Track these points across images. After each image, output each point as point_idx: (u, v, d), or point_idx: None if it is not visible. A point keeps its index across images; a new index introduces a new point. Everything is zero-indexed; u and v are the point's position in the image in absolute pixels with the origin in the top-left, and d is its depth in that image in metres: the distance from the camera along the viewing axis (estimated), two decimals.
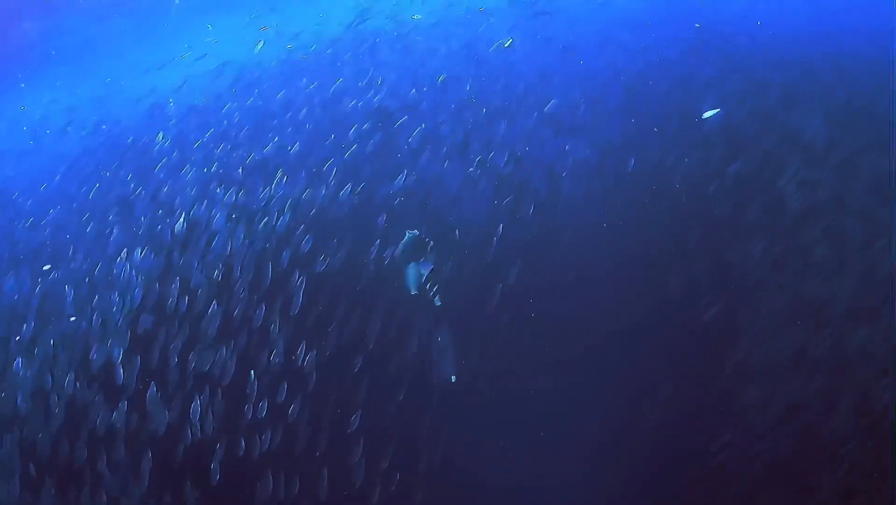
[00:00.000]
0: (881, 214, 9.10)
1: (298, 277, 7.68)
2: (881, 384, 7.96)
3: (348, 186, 8.84)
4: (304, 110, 10.60)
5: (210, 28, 15.23)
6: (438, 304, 8.37)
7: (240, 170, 9.58)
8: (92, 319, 8.57)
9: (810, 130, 10.31)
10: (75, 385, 8.10)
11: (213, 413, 7.52)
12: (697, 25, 13.63)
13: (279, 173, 9.51)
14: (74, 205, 10.98)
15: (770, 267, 8.98)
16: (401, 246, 8.85)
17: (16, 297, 9.45)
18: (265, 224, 8.68)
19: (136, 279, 8.69)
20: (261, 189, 9.10)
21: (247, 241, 8.49)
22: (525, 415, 7.86)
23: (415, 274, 8.49)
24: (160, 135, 11.30)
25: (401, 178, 8.81)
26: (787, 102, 10.89)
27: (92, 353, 8.30)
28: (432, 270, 8.52)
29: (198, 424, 7.44)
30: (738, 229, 9.14)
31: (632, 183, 9.67)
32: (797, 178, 9.58)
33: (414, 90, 10.78)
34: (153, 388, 7.68)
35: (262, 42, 12.25)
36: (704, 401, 8.35)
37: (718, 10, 14.10)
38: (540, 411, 7.87)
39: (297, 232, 8.43)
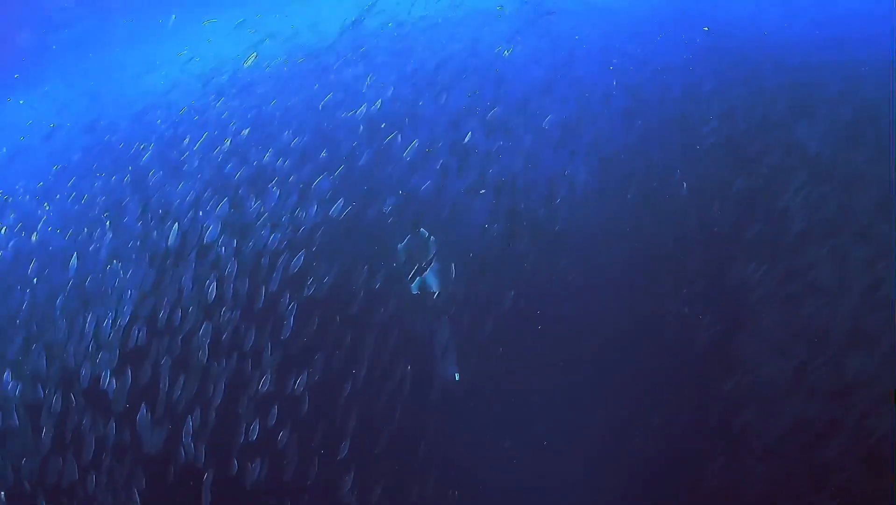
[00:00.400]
0: (885, 234, 8.98)
1: (290, 300, 7.54)
2: (881, 410, 7.89)
3: (344, 202, 8.65)
4: (301, 117, 10.39)
5: (210, 22, 14.89)
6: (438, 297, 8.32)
7: (233, 180, 9.37)
8: (82, 333, 8.43)
9: (814, 145, 10.15)
10: (63, 400, 8.00)
11: (203, 436, 7.41)
12: (706, 29, 13.38)
13: (273, 184, 9.34)
14: (65, 210, 10.80)
15: (771, 287, 8.87)
16: (404, 241, 8.77)
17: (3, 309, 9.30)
18: (258, 240, 8.50)
19: (126, 294, 8.54)
20: (254, 202, 8.92)
21: (237, 257, 8.32)
22: (521, 442, 7.77)
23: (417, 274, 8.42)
24: (153, 141, 11.10)
25: (399, 192, 8.63)
26: (792, 115, 10.71)
27: (81, 369, 8.19)
28: (435, 269, 8.46)
29: (191, 447, 7.34)
30: (739, 248, 9.02)
31: (633, 197, 9.53)
32: (800, 196, 9.44)
33: (413, 98, 10.55)
34: (143, 409, 7.58)
35: (254, 55, 11.99)
36: (701, 422, 8.30)
37: (725, 15, 13.85)
38: (538, 438, 7.80)
39: (291, 249, 8.27)
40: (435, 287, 8.49)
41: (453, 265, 8.36)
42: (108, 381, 7.81)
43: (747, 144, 10.04)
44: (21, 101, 16.13)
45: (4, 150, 14.61)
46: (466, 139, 9.62)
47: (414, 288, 8.45)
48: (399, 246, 8.78)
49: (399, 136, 9.15)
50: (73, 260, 8.83)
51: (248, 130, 10.52)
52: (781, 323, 8.66)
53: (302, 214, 8.52)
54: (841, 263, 8.84)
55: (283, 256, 8.07)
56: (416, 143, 8.68)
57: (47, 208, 11.26)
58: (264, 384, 7.29)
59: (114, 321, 8.41)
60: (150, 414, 7.61)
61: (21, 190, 12.22)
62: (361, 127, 9.67)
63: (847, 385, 8.09)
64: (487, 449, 7.65)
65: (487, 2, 13.80)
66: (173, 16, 14.38)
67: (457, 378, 8.14)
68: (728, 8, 14.05)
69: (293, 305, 7.44)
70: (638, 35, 12.83)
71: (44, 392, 8.05)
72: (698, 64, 11.96)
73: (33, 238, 10.36)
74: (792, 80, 11.86)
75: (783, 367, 8.42)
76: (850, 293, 8.65)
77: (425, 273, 8.42)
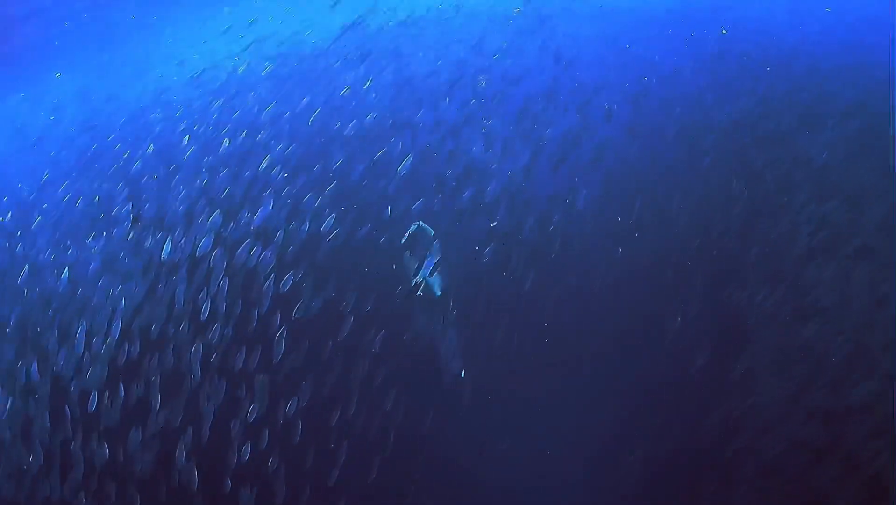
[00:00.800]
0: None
1: (281, 321, 7.41)
2: (882, 434, 7.78)
3: (339, 216, 8.48)
4: (294, 126, 10.17)
5: (208, 22, 14.62)
6: (439, 294, 8.24)
7: (224, 192, 9.18)
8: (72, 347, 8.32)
9: (821, 158, 9.93)
10: (51, 417, 7.93)
11: (194, 457, 7.32)
12: (724, 31, 13.12)
13: (267, 195, 9.17)
14: (56, 214, 10.65)
15: (772, 308, 8.73)
16: (406, 236, 8.68)
17: None
18: (250, 255, 8.34)
19: (114, 308, 8.42)
20: (247, 216, 8.74)
21: (229, 273, 8.17)
22: (514, 470, 7.69)
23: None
24: (148, 144, 10.92)
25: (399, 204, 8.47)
26: (799, 127, 10.47)
27: (70, 385, 8.09)
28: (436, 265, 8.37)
29: (182, 466, 7.25)
30: (742, 268, 8.87)
31: (632, 211, 9.35)
32: (804, 215, 9.26)
33: (413, 106, 10.31)
34: (133, 428, 7.50)
35: (246, 63, 11.76)
36: (698, 444, 8.22)
37: (732, 18, 13.55)
38: (533, 464, 7.72)
39: (284, 266, 8.12)
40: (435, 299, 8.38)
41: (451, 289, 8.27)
42: (96, 397, 7.70)
43: (753, 158, 9.82)
44: (58, 74, 15.42)
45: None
46: (465, 151, 9.45)
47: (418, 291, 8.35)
48: (401, 250, 8.65)
49: (394, 150, 8.97)
50: (65, 273, 8.71)
51: (243, 136, 10.29)
52: (783, 344, 8.55)
53: (296, 229, 8.35)
54: (844, 283, 8.69)
55: (274, 273, 7.94)
56: (410, 157, 8.50)
57: (45, 207, 11.12)
58: (254, 410, 7.18)
59: (105, 336, 8.28)
60: (141, 432, 7.53)
61: (14, 192, 12.07)
62: (356, 138, 9.46)
63: (848, 408, 8.00)
64: (481, 478, 7.57)
65: (487, 4, 13.48)
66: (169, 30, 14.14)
67: (462, 375, 8.10)
68: (734, 10, 13.74)
69: (284, 326, 7.31)
70: (641, 40, 12.56)
71: (32, 408, 7.98)
72: (703, 71, 11.71)
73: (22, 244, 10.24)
74: (800, 88, 11.62)
75: (783, 389, 8.33)
76: (852, 314, 8.52)
77: (427, 282, 8.32)
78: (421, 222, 8.73)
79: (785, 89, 11.50)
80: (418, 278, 8.36)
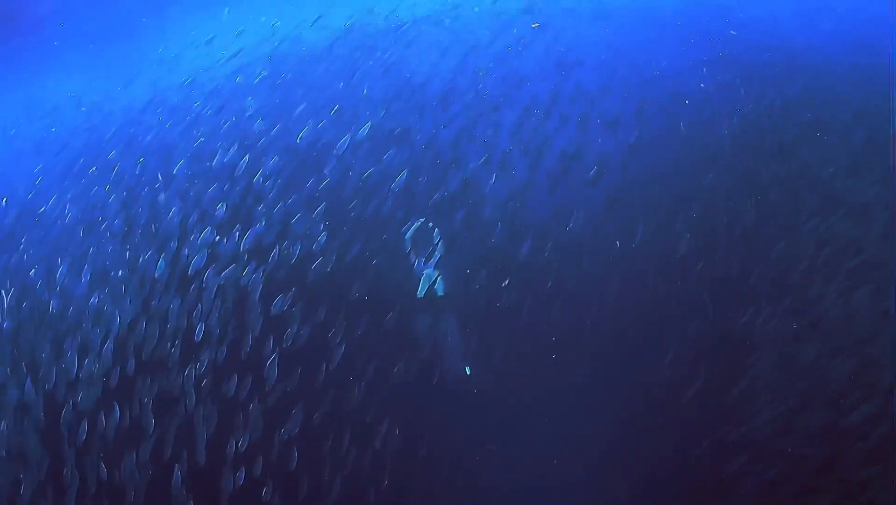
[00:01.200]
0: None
1: (273, 346, 7.32)
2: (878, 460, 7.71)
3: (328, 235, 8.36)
4: (287, 137, 10.00)
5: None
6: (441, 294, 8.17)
7: (217, 208, 9.03)
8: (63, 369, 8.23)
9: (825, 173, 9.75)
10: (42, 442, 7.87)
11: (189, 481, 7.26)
12: (732, 33, 12.86)
13: (259, 211, 9.05)
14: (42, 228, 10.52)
15: (773, 329, 8.62)
16: (408, 234, 8.58)
17: None
18: (245, 271, 8.23)
19: (103, 326, 8.33)
20: (238, 234, 8.61)
21: (221, 292, 8.07)
22: (511, 492, 7.63)
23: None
24: (140, 155, 10.78)
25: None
26: (805, 138, 10.27)
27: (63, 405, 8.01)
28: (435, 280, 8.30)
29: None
30: (743, 291, 8.73)
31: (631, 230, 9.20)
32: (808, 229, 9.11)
33: (406, 119, 10.12)
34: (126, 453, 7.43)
35: (241, 68, 11.52)
36: (695, 467, 8.16)
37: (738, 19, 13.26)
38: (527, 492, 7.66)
39: (280, 285, 8.02)
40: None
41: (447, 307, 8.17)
42: (87, 421, 7.64)
43: (759, 172, 9.64)
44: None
45: None
46: (462, 163, 9.28)
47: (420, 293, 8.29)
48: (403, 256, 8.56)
49: (389, 165, 8.81)
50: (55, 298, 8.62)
51: (233, 150, 10.09)
52: (784, 363, 8.46)
53: (289, 249, 8.23)
54: (848, 301, 8.57)
55: (267, 295, 7.84)
56: (405, 173, 8.36)
57: (42, 210, 10.99)
58: (245, 438, 7.11)
59: (98, 356, 8.20)
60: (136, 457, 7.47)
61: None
62: (349, 152, 9.29)
63: (848, 428, 7.92)
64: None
65: (488, 6, 13.20)
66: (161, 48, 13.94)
67: (468, 372, 8.05)
68: (738, 11, 13.44)
69: (276, 352, 7.22)
70: (644, 43, 12.30)
71: (20, 430, 7.92)
72: (707, 76, 11.48)
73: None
74: (807, 92, 11.40)
75: (784, 408, 8.25)
76: (854, 332, 8.42)
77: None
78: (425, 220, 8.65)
79: (791, 94, 11.28)
80: (422, 284, 8.29)
